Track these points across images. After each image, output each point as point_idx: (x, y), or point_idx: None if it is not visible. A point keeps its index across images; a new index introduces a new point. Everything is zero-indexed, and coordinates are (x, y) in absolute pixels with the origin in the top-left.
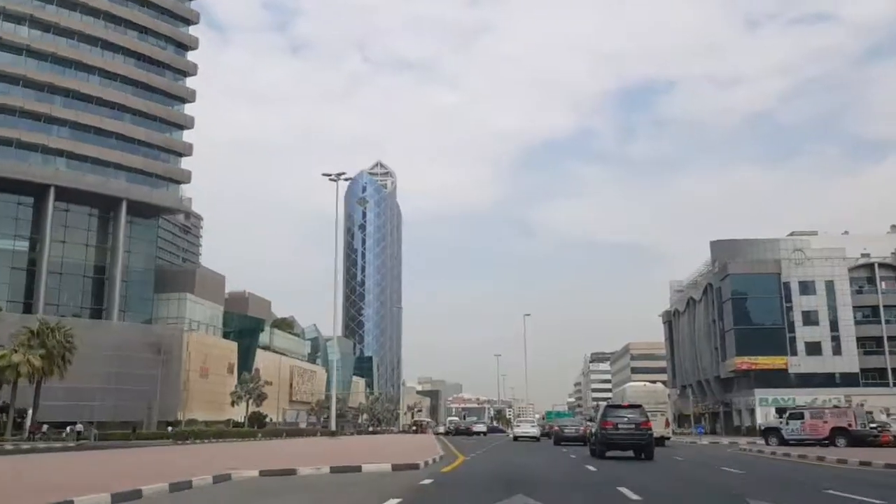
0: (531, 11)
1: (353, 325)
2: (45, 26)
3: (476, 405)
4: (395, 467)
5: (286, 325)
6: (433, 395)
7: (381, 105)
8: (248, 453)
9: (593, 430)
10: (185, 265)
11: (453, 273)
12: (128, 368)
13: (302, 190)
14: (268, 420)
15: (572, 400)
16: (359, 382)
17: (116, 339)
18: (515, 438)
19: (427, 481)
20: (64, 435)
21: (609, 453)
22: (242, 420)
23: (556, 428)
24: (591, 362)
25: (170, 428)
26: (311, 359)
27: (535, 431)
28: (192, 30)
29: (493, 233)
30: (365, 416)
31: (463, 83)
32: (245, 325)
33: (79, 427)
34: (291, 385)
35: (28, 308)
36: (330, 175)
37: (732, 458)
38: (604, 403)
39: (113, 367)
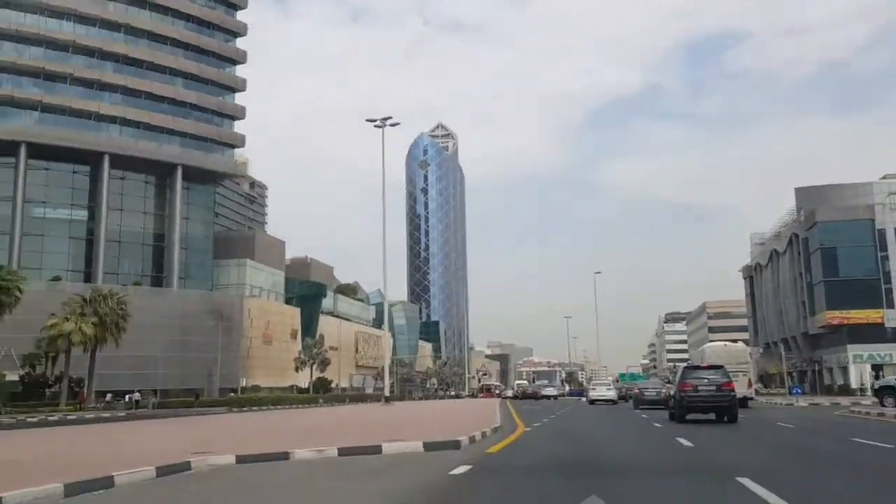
0: None
1: (418, 289)
2: None
3: (546, 368)
4: (428, 446)
5: (350, 290)
6: (502, 359)
7: (440, 69)
8: (267, 426)
9: (672, 393)
10: (244, 231)
11: (520, 238)
12: (189, 336)
13: (368, 157)
14: (334, 385)
15: (646, 362)
16: (425, 347)
17: (177, 306)
18: (592, 402)
19: (460, 469)
20: (122, 403)
21: (689, 416)
22: (307, 386)
23: (637, 391)
24: (665, 323)
25: (232, 394)
26: (377, 324)
27: (612, 394)
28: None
29: (560, 196)
30: (433, 380)
31: (523, 44)
32: (307, 291)
33: (136, 396)
34: (357, 350)
35: (88, 277)
36: (374, 121)
37: (851, 425)
38: (682, 365)
39: (174, 335)
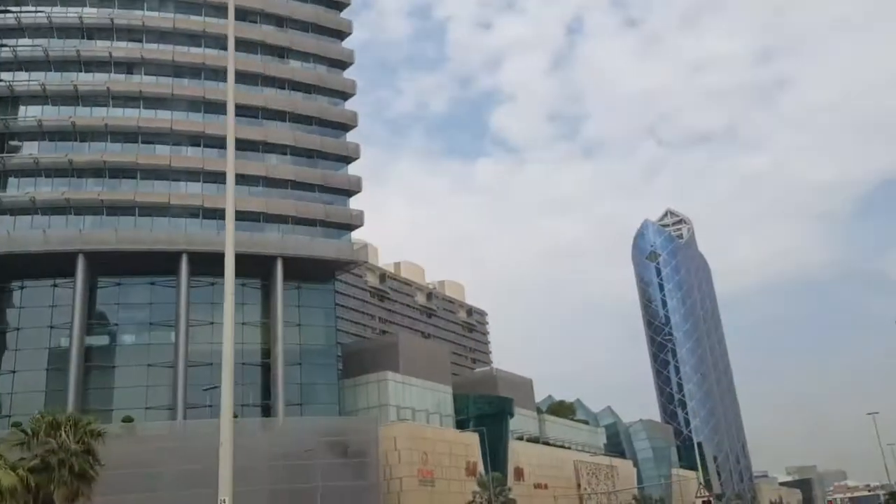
0: (829, 54)
1: (670, 406)
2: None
3: (867, 493)
4: None
5: (566, 409)
6: (804, 485)
7: (681, 185)
8: None
9: None
10: (383, 336)
11: (797, 351)
12: (301, 481)
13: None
14: None
15: None
16: (686, 476)
17: (280, 441)
18: None
19: None
20: None
21: None
22: None
23: None
24: None
25: None
26: (609, 450)
27: None
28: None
29: (838, 297)
30: None
31: (768, 143)
32: (485, 410)
33: None
34: (579, 486)
35: (175, 414)
36: None
37: None
38: None
39: (279, 480)
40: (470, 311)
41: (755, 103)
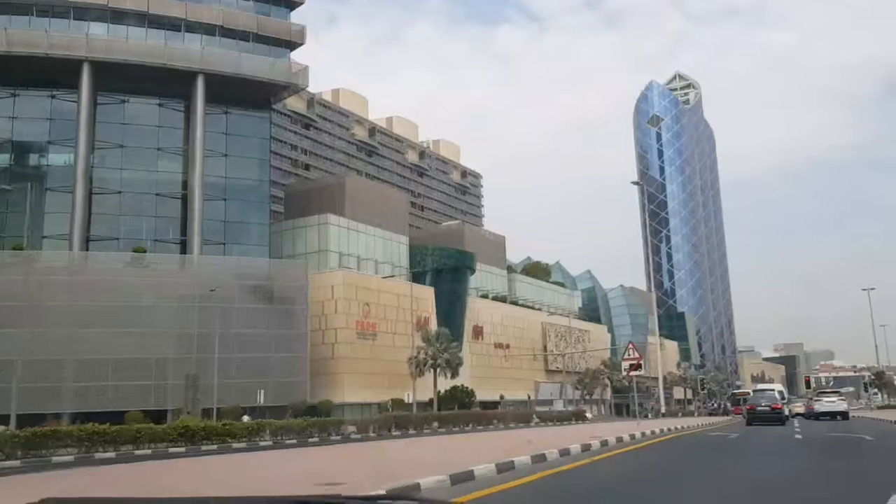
0: None
1: (657, 275)
2: None
3: (853, 374)
4: None
5: (540, 270)
6: (789, 361)
7: (707, 61)
8: None
9: None
10: (329, 177)
11: (811, 231)
12: (214, 325)
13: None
14: (501, 399)
15: None
16: (667, 346)
17: (193, 281)
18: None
19: None
20: None
21: None
22: (432, 400)
23: None
24: None
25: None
26: (586, 315)
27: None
28: None
29: (854, 181)
30: (685, 389)
31: (798, 19)
32: (445, 264)
33: None
34: (545, 348)
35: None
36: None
37: None
38: None
39: (188, 323)
40: (464, 172)
41: None
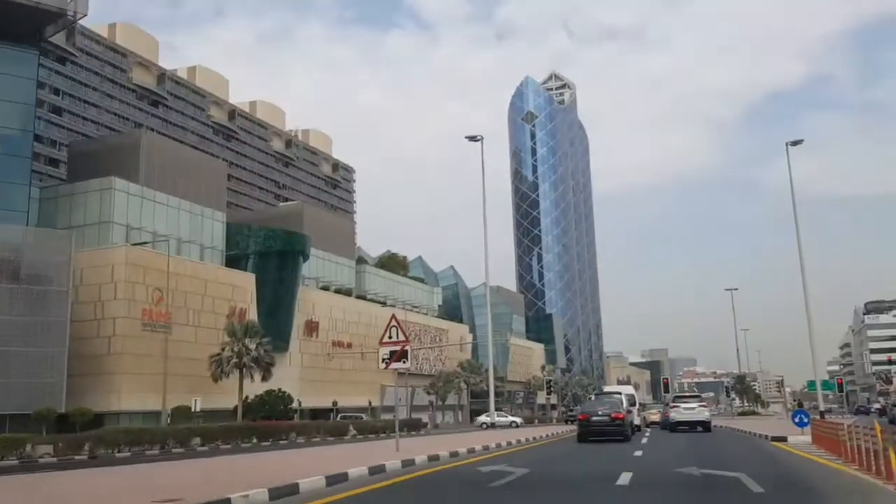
0: None
1: (527, 276)
2: None
3: (713, 379)
4: None
5: (396, 263)
6: (654, 366)
7: (588, 79)
8: None
9: None
10: (121, 134)
11: (678, 244)
12: None
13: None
14: (334, 406)
15: (836, 368)
16: (533, 349)
17: None
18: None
19: None
20: None
21: None
22: (236, 406)
23: None
24: (866, 314)
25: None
26: (446, 313)
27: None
28: None
29: (715, 199)
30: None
31: (673, 46)
32: (270, 247)
33: None
34: None
35: None
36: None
37: None
38: None
39: None
40: (336, 165)
41: (665, 4)
